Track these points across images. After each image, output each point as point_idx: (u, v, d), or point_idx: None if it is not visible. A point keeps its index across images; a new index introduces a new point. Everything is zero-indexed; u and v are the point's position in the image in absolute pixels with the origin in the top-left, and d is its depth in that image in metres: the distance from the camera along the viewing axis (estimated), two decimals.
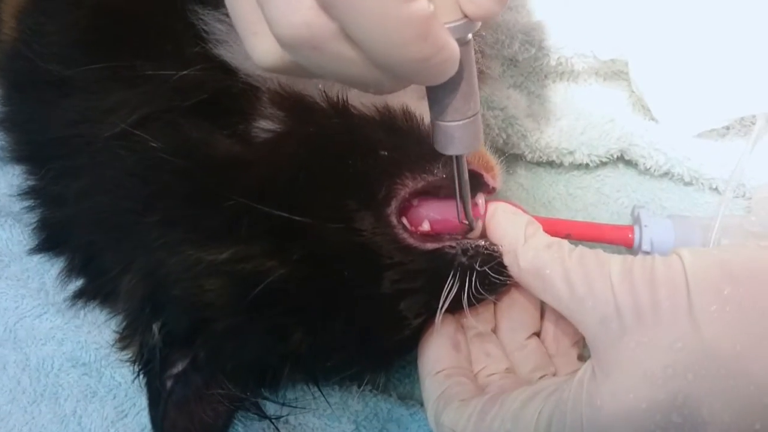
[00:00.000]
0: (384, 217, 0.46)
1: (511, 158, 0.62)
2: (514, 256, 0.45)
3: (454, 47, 0.30)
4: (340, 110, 0.47)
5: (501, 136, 0.60)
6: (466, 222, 0.47)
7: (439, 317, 0.46)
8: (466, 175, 0.43)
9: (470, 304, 0.47)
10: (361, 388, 0.54)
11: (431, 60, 0.29)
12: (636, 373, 0.38)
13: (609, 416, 0.38)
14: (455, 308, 0.47)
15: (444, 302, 0.45)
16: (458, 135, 0.37)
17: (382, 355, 0.49)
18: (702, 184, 0.61)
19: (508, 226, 0.46)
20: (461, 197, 0.44)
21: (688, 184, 0.62)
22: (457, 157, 0.41)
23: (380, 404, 0.55)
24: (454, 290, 0.46)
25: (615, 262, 0.41)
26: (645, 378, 0.38)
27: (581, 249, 0.43)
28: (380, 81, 0.31)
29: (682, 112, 0.60)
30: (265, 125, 0.46)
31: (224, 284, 0.43)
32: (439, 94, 0.35)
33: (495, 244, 0.47)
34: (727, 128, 0.62)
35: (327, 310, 0.45)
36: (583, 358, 0.50)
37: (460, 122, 0.36)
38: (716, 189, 0.61)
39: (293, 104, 0.47)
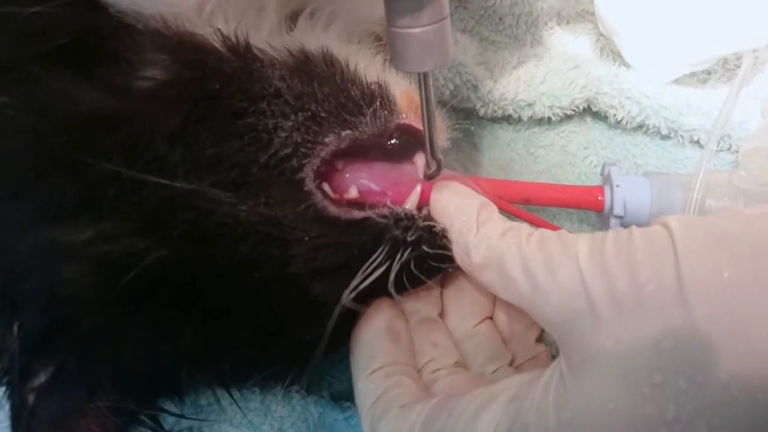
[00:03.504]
0: (296, 181, 0.39)
1: (461, 113, 0.56)
2: (465, 249, 0.39)
3: None
4: (240, 52, 0.39)
5: (447, 86, 0.54)
6: (432, 160, 0.40)
7: (348, 296, 0.39)
8: (433, 102, 0.37)
9: (407, 288, 0.41)
10: (285, 388, 0.47)
11: None
12: (615, 378, 0.31)
13: None
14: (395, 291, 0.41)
15: (361, 282, 0.38)
16: (424, 45, 0.32)
17: (302, 351, 0.42)
18: (681, 136, 0.56)
19: (457, 213, 0.40)
20: (427, 130, 0.38)
21: (666, 137, 0.57)
22: (422, 75, 0.35)
23: (309, 407, 0.48)
24: (381, 269, 0.39)
25: (583, 241, 0.34)
26: (626, 385, 0.31)
27: (542, 231, 0.37)
28: None
29: (657, 55, 0.55)
30: (146, 73, 0.38)
31: (87, 271, 0.36)
32: None
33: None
34: (709, 72, 0.58)
35: (222, 298, 0.38)
36: (542, 340, 0.45)
37: (426, 27, 0.31)
38: (698, 142, 0.56)
39: (179, 45, 0.39)
